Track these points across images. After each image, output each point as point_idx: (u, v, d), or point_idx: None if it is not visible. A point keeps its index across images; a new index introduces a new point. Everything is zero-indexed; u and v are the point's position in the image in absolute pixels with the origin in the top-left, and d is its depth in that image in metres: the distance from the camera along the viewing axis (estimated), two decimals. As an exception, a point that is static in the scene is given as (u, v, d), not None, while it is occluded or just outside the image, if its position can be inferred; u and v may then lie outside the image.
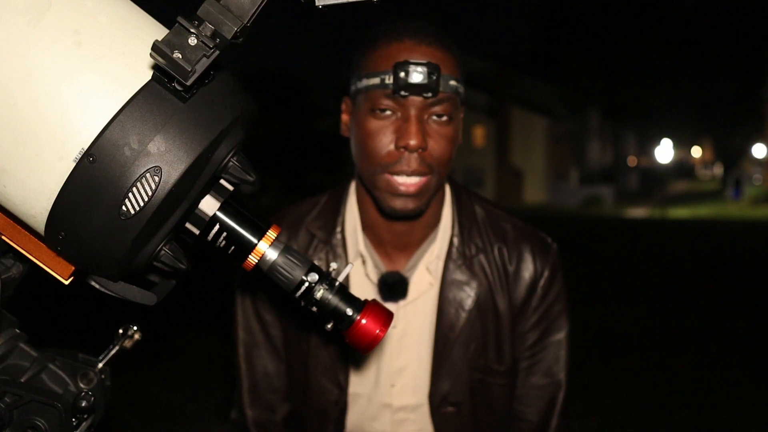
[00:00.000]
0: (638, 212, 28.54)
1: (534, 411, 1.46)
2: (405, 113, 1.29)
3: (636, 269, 10.86)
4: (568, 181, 38.56)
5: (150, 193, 0.62)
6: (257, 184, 0.74)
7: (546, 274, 1.46)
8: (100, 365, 0.79)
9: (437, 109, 1.30)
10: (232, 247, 0.76)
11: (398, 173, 1.30)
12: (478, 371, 1.43)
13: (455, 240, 1.45)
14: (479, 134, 34.23)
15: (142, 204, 0.62)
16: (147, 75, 0.63)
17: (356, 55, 1.37)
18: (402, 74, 1.24)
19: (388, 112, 1.29)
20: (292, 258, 0.78)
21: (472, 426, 1.44)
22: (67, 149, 0.61)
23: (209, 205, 0.74)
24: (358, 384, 1.45)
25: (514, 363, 1.46)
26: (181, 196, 0.66)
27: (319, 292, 0.78)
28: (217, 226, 0.74)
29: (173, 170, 0.62)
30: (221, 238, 0.75)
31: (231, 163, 0.71)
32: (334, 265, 0.85)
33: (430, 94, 1.26)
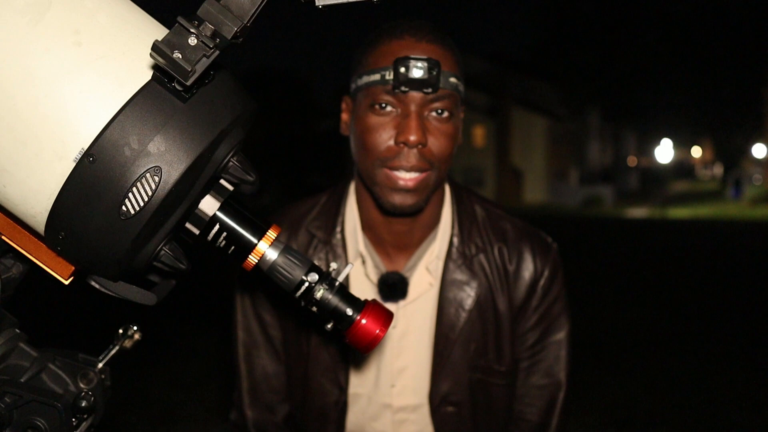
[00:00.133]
0: (638, 212, 28.54)
1: (534, 411, 1.46)
2: (405, 109, 1.29)
3: (636, 269, 10.85)
4: (568, 181, 38.56)
5: (150, 193, 0.62)
6: (257, 184, 0.74)
7: (546, 273, 1.46)
8: (100, 365, 0.79)
9: (437, 105, 1.30)
10: (232, 247, 0.76)
11: (397, 168, 1.30)
12: (478, 371, 1.43)
13: (455, 240, 1.44)
14: (479, 134, 34.23)
15: (142, 204, 0.62)
16: (147, 75, 0.63)
17: (356, 54, 1.38)
18: (402, 69, 1.24)
19: (389, 108, 1.30)
20: (292, 258, 0.78)
21: (472, 426, 1.44)
22: (67, 149, 0.61)
23: (209, 205, 0.74)
24: (358, 384, 1.45)
25: (515, 363, 1.46)
26: (181, 196, 0.66)
27: (319, 292, 0.78)
28: (217, 226, 0.74)
29: (173, 170, 0.62)
30: (221, 238, 0.75)
31: (231, 163, 0.71)
32: (334, 265, 0.84)
33: (430, 90, 1.26)
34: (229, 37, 0.59)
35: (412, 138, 1.27)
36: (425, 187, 1.32)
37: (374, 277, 1.43)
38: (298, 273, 0.78)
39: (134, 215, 0.62)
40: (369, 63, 1.32)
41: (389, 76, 1.27)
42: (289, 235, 1.48)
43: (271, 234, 0.77)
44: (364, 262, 1.44)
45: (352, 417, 1.46)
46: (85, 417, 0.75)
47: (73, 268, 0.73)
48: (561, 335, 1.47)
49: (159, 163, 0.62)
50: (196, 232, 0.74)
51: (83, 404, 0.73)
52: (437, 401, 1.42)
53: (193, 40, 0.58)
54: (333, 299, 0.78)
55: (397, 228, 1.42)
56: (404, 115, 1.29)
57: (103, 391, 0.78)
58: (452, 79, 1.31)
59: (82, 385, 0.76)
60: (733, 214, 26.00)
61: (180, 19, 0.58)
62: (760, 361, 5.73)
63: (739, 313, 7.57)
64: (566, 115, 39.57)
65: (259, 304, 1.49)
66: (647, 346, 6.26)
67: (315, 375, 1.45)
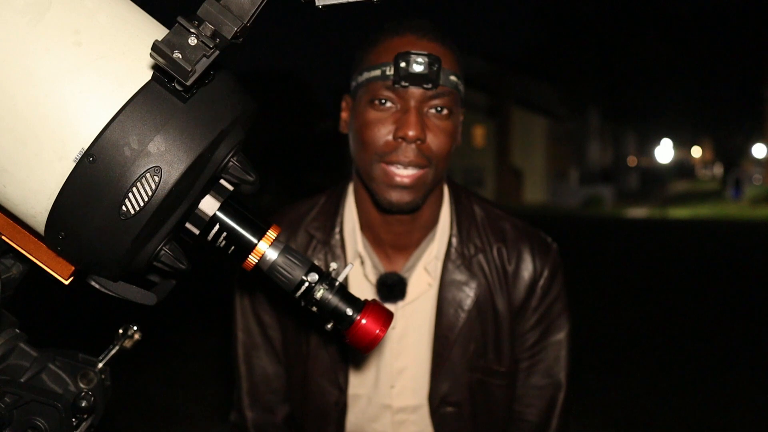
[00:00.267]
0: (638, 212, 28.54)
1: (534, 411, 1.46)
2: (404, 104, 1.29)
3: (636, 269, 10.85)
4: (568, 181, 38.56)
5: (150, 193, 0.62)
6: (257, 184, 0.74)
7: (546, 274, 1.45)
8: (100, 365, 0.79)
9: (437, 102, 1.30)
10: (232, 247, 0.76)
11: (395, 163, 1.29)
12: (478, 372, 1.43)
13: (454, 240, 1.44)
14: (479, 134, 34.23)
15: (142, 204, 0.62)
16: (147, 75, 0.63)
17: (358, 54, 1.38)
18: (403, 64, 1.24)
19: (388, 104, 1.30)
20: (292, 258, 0.78)
21: (472, 427, 1.44)
22: (67, 149, 0.61)
23: (209, 205, 0.74)
24: (357, 385, 1.45)
25: (514, 363, 1.46)
26: (181, 196, 0.66)
27: (319, 292, 0.78)
28: (217, 226, 0.74)
29: (173, 170, 0.62)
30: (221, 238, 0.75)
31: (231, 163, 0.71)
32: (333, 266, 0.84)
33: (430, 86, 1.26)
34: (229, 37, 0.59)
35: (411, 133, 1.26)
36: (422, 184, 1.32)
37: (373, 278, 1.43)
38: (298, 273, 0.78)
39: (134, 215, 0.62)
40: (370, 60, 1.33)
41: (390, 71, 1.27)
42: (288, 235, 1.48)
43: (271, 234, 0.77)
44: (362, 262, 1.44)
45: (352, 418, 1.46)
46: (85, 417, 0.75)
47: (73, 268, 0.73)
48: (561, 335, 1.47)
49: (159, 163, 0.62)
50: (196, 232, 0.74)
51: (83, 404, 0.73)
52: (437, 402, 1.42)
53: (193, 40, 0.58)
54: (333, 299, 0.78)
55: (396, 228, 1.42)
56: (404, 111, 1.29)
57: (103, 391, 0.78)
58: (452, 78, 1.31)
59: (82, 385, 0.76)
60: (733, 214, 26.00)
61: (180, 19, 0.58)
62: (760, 361, 5.73)
63: (739, 313, 7.57)
64: (566, 115, 39.57)
65: (258, 305, 1.49)
66: (647, 346, 6.26)
67: (314, 376, 1.45)
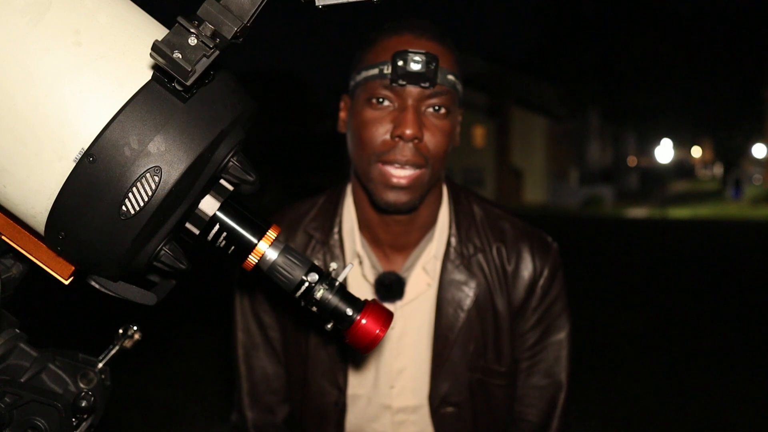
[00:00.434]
0: (638, 212, 28.53)
1: (535, 411, 1.46)
2: (402, 103, 1.29)
3: (636, 269, 10.85)
4: (568, 181, 38.55)
5: (150, 193, 0.62)
6: (257, 184, 0.74)
7: (546, 273, 1.45)
8: (100, 365, 0.79)
9: (435, 101, 1.30)
10: (232, 247, 0.76)
11: (392, 162, 1.29)
12: (478, 372, 1.43)
13: (453, 240, 1.44)
14: (479, 134, 34.22)
15: (142, 204, 0.62)
16: (147, 75, 0.63)
17: (357, 54, 1.38)
18: (400, 62, 1.24)
19: (386, 103, 1.30)
20: (292, 258, 0.78)
21: (472, 427, 1.44)
22: (67, 149, 0.61)
23: (209, 205, 0.74)
24: (357, 385, 1.45)
25: (514, 363, 1.46)
26: (181, 196, 0.66)
27: (319, 292, 0.78)
28: (217, 226, 0.74)
29: (173, 170, 0.62)
30: (221, 238, 0.75)
31: (231, 163, 0.71)
32: (333, 266, 0.84)
33: (427, 84, 1.26)
34: (229, 37, 0.59)
35: (408, 132, 1.26)
36: (419, 185, 1.32)
37: (371, 278, 1.43)
38: (298, 273, 0.78)
39: (134, 215, 0.62)
40: (368, 59, 1.33)
41: (387, 70, 1.27)
42: (287, 236, 1.48)
43: (271, 234, 0.77)
44: (361, 262, 1.44)
45: (352, 418, 1.46)
46: (85, 417, 0.75)
47: (73, 268, 0.73)
48: (561, 335, 1.46)
49: (159, 163, 0.62)
50: (196, 232, 0.74)
51: (83, 404, 0.73)
52: (437, 402, 1.42)
53: (193, 40, 0.58)
54: (333, 299, 0.78)
55: (394, 228, 1.42)
56: (401, 109, 1.29)
57: (103, 391, 0.78)
58: (450, 77, 1.31)
59: (82, 385, 0.76)
60: (733, 214, 26.00)
61: (180, 19, 0.58)
62: (760, 361, 5.73)
63: (739, 313, 7.57)
64: (566, 115, 39.57)
65: (258, 306, 1.49)
66: (647, 346, 6.26)
67: (314, 376, 1.45)
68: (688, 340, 6.44)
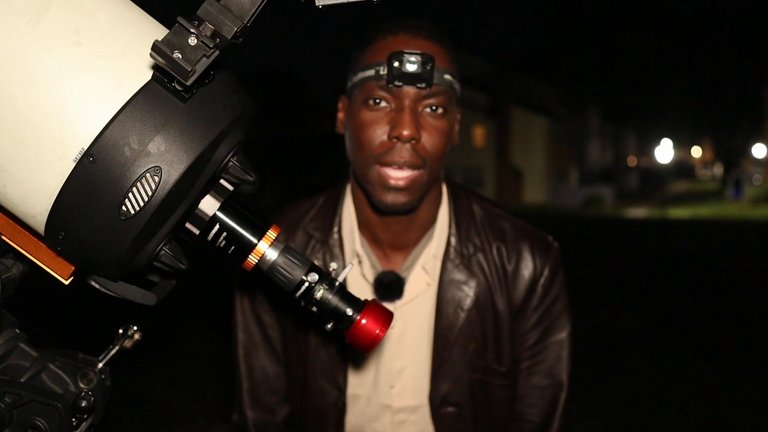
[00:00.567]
0: (638, 212, 28.53)
1: (536, 411, 1.45)
2: (399, 104, 1.29)
3: (636, 269, 10.85)
4: (568, 181, 38.56)
5: (150, 193, 0.62)
6: (257, 184, 0.74)
7: (546, 273, 1.45)
8: (100, 365, 0.79)
9: (432, 101, 1.29)
10: (232, 247, 0.76)
11: (390, 164, 1.29)
12: (478, 371, 1.43)
13: (452, 239, 1.44)
14: (479, 134, 34.22)
15: (142, 204, 0.62)
16: (147, 75, 0.63)
17: (353, 54, 1.38)
18: (396, 63, 1.24)
19: (383, 104, 1.29)
20: (292, 258, 0.78)
21: (473, 427, 1.44)
22: (67, 149, 0.61)
23: (209, 205, 0.74)
24: (357, 385, 1.45)
25: (515, 363, 1.45)
26: (181, 196, 0.66)
27: (319, 292, 0.78)
28: (217, 226, 0.74)
29: (173, 170, 0.62)
30: (221, 238, 0.75)
31: (231, 163, 0.71)
32: (333, 265, 0.84)
33: (424, 85, 1.26)
34: (229, 37, 0.59)
35: (406, 132, 1.26)
36: (418, 186, 1.32)
37: (371, 277, 1.43)
38: (298, 273, 0.78)
39: (134, 215, 0.62)
40: (364, 60, 1.33)
41: (383, 71, 1.27)
42: (287, 235, 1.48)
43: (271, 234, 0.77)
44: (360, 262, 1.44)
45: (352, 418, 1.46)
46: (85, 417, 0.75)
47: (73, 268, 0.73)
48: (562, 335, 1.46)
49: (159, 163, 0.62)
50: (196, 232, 0.74)
51: (83, 404, 0.73)
52: (437, 402, 1.42)
53: (193, 40, 0.58)
54: (333, 299, 0.78)
55: (393, 227, 1.42)
56: (398, 110, 1.28)
57: (103, 391, 0.78)
58: (447, 76, 1.30)
59: (82, 385, 0.76)
60: (733, 214, 26.00)
61: (180, 19, 0.58)
62: (760, 361, 5.73)
63: (739, 313, 7.57)
64: (566, 115, 39.58)
65: (258, 305, 1.49)
66: (647, 346, 6.26)
67: (314, 376, 1.45)
68: (688, 340, 6.44)
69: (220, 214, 0.74)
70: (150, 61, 0.63)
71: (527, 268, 1.45)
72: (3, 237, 0.73)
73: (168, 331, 6.00)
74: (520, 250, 1.45)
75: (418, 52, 1.25)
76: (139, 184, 0.61)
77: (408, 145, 1.28)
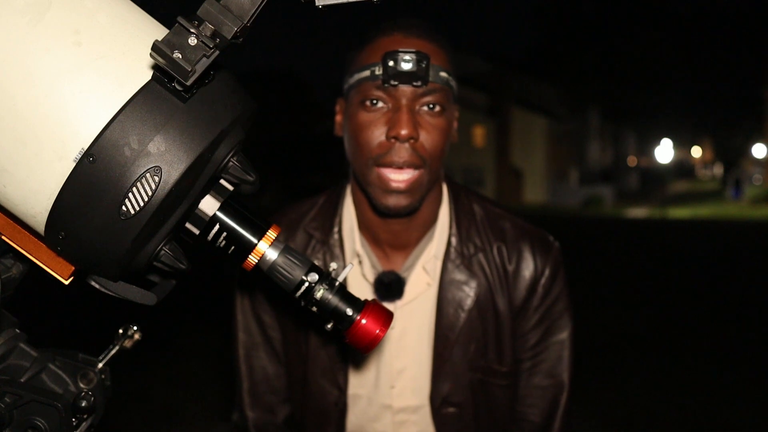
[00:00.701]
0: (638, 212, 28.54)
1: (537, 412, 1.45)
2: (396, 104, 1.28)
3: (636, 269, 10.85)
4: (568, 181, 38.57)
5: (150, 193, 0.62)
6: (257, 184, 0.74)
7: (547, 272, 1.45)
8: (100, 365, 0.79)
9: (428, 99, 1.29)
10: (232, 247, 0.76)
11: (389, 165, 1.29)
12: (479, 372, 1.42)
13: (453, 239, 1.44)
14: (479, 134, 34.22)
15: (142, 204, 0.62)
16: (147, 75, 0.63)
17: (348, 56, 1.38)
18: (391, 63, 1.24)
19: (380, 104, 1.29)
20: (292, 258, 0.78)
21: (474, 427, 1.44)
22: (67, 149, 0.61)
23: (209, 205, 0.74)
24: (357, 385, 1.45)
25: (516, 363, 1.45)
26: (181, 196, 0.66)
27: (319, 292, 0.78)
28: (217, 226, 0.74)
29: (173, 170, 0.62)
30: (221, 238, 0.75)
31: (231, 163, 0.71)
32: (333, 265, 0.84)
33: (419, 83, 1.26)
34: (229, 37, 0.59)
35: (404, 132, 1.26)
36: (418, 187, 1.31)
37: (371, 277, 1.42)
38: (298, 273, 0.78)
39: (134, 215, 0.62)
40: (359, 61, 1.33)
41: (379, 71, 1.27)
42: (287, 236, 1.48)
43: (271, 234, 0.77)
44: (360, 261, 1.44)
45: (353, 418, 1.46)
46: (85, 417, 0.75)
47: (73, 268, 0.73)
48: (563, 335, 1.46)
49: (159, 163, 0.62)
50: (196, 232, 0.74)
51: (83, 404, 0.73)
52: (438, 402, 1.42)
53: (193, 40, 0.58)
54: (333, 299, 0.78)
55: (394, 228, 1.41)
56: (395, 110, 1.28)
57: (103, 391, 0.78)
58: (442, 74, 1.30)
59: (82, 385, 0.76)
60: (733, 214, 26.00)
61: (180, 19, 0.58)
62: (760, 361, 5.73)
63: (739, 313, 7.57)
64: (566, 115, 39.59)
65: (258, 305, 1.49)
66: (647, 346, 6.26)
67: (314, 376, 1.45)
68: (688, 340, 6.44)
69: (220, 214, 0.74)
70: (150, 61, 0.63)
71: (528, 268, 1.44)
72: (3, 237, 0.73)
73: (168, 331, 6.00)
74: (520, 250, 1.45)
75: (413, 50, 1.25)
76: (139, 184, 0.61)
77: (407, 145, 1.28)
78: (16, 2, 0.62)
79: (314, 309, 0.79)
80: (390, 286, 1.40)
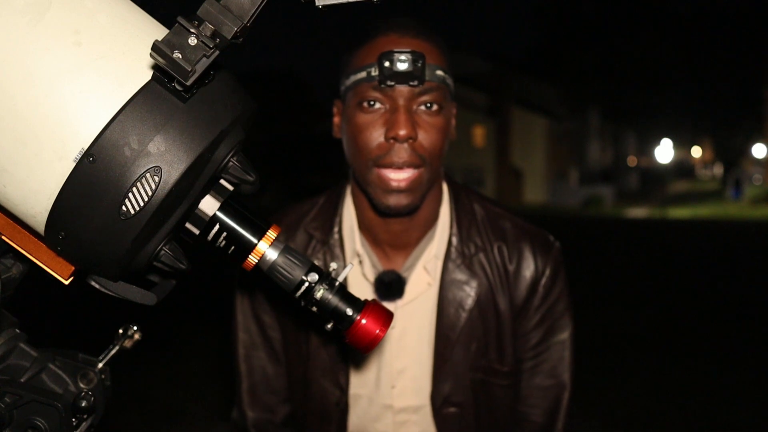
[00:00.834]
0: (638, 212, 28.54)
1: (539, 412, 1.45)
2: (393, 104, 1.28)
3: (636, 269, 10.85)
4: (568, 181, 38.57)
5: (150, 193, 0.62)
6: (257, 184, 0.74)
7: (548, 272, 1.45)
8: (100, 365, 0.79)
9: (425, 98, 1.29)
10: (232, 247, 0.76)
11: (388, 165, 1.29)
12: (480, 371, 1.42)
13: (454, 239, 1.44)
14: (479, 134, 34.22)
15: (142, 204, 0.62)
16: (147, 75, 0.63)
17: (344, 58, 1.37)
18: (387, 63, 1.24)
19: (377, 105, 1.29)
20: (292, 258, 0.78)
21: (475, 427, 1.44)
22: (67, 149, 0.61)
23: (209, 205, 0.74)
24: (358, 385, 1.45)
25: (517, 363, 1.45)
26: (181, 196, 0.66)
27: (319, 292, 0.78)
28: (217, 226, 0.74)
29: (173, 170, 0.62)
30: (221, 238, 0.75)
31: (231, 163, 0.71)
32: (333, 265, 0.84)
33: (416, 83, 1.26)
34: (229, 37, 0.59)
35: (402, 132, 1.26)
36: (418, 186, 1.31)
37: (371, 277, 1.42)
38: (298, 273, 0.78)
39: (134, 215, 0.62)
40: (355, 62, 1.32)
41: (375, 71, 1.27)
42: (288, 236, 1.48)
43: (271, 234, 0.77)
44: (361, 261, 1.44)
45: (354, 418, 1.46)
46: (85, 417, 0.75)
47: (73, 268, 0.73)
48: (564, 335, 1.46)
49: (159, 163, 0.62)
50: (196, 232, 0.74)
51: (83, 404, 0.73)
52: (439, 402, 1.42)
53: (193, 40, 0.58)
54: (333, 299, 0.78)
55: (394, 227, 1.41)
56: (392, 110, 1.28)
57: (103, 391, 0.78)
58: (439, 72, 1.30)
59: (82, 385, 0.76)
60: (733, 214, 26.00)
61: (180, 19, 0.58)
62: (760, 361, 5.73)
63: (739, 313, 7.57)
64: (566, 115, 39.59)
65: (258, 305, 1.49)
66: (647, 346, 6.26)
67: (315, 376, 1.45)
68: (688, 340, 6.44)
69: (220, 214, 0.74)
70: (150, 61, 0.63)
71: (529, 268, 1.44)
72: (3, 237, 0.73)
73: (168, 331, 6.00)
74: (521, 249, 1.45)
75: (408, 50, 1.25)
76: (139, 184, 0.61)
77: (406, 145, 1.28)
78: (16, 2, 0.62)
79: (314, 309, 0.79)
80: (390, 285, 1.40)
